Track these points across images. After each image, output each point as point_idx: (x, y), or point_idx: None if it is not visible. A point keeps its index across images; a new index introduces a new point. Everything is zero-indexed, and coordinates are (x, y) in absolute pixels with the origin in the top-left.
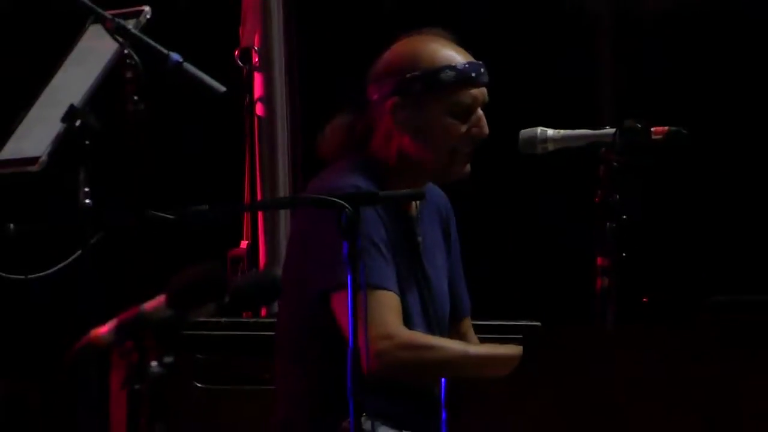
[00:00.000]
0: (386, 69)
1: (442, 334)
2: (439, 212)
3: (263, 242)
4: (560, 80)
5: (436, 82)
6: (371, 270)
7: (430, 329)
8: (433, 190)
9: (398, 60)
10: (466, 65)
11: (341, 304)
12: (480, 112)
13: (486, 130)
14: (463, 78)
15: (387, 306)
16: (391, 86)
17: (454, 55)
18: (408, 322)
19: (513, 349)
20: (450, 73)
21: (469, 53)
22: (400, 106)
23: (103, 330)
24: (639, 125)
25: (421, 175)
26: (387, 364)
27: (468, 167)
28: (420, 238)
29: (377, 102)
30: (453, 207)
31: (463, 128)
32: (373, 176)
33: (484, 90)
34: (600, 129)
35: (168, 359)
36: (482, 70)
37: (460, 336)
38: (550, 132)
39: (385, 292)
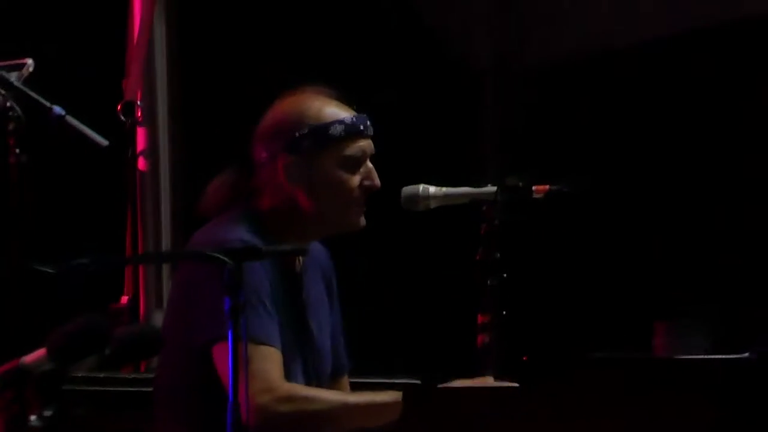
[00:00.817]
0: (273, 128)
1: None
2: (322, 268)
3: (144, 297)
4: (443, 134)
5: (325, 138)
6: (255, 325)
7: (311, 381)
8: (314, 246)
9: (285, 118)
10: (353, 119)
11: (222, 356)
12: (369, 164)
13: (377, 181)
14: (351, 131)
15: (269, 360)
16: (281, 145)
17: (339, 111)
18: (288, 378)
19: (392, 396)
20: (338, 128)
21: (352, 107)
22: (292, 164)
23: None
24: (520, 183)
25: (315, 228)
26: (267, 417)
27: (363, 219)
28: (305, 295)
29: (266, 160)
30: (335, 261)
31: (356, 180)
32: (258, 229)
33: (370, 142)
34: (482, 186)
35: (48, 413)
36: (368, 122)
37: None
38: (432, 189)
39: (267, 347)
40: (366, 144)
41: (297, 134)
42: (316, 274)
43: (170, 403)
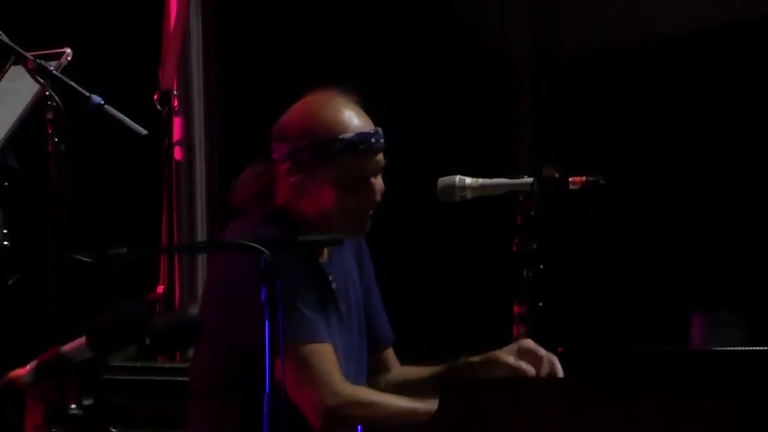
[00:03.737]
0: (282, 132)
1: (361, 370)
2: (352, 247)
3: (179, 286)
4: (479, 125)
5: (324, 154)
6: (303, 325)
7: (356, 371)
8: None
9: (292, 126)
10: (355, 136)
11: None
12: (372, 180)
13: (378, 198)
14: (351, 150)
15: (327, 359)
16: (285, 151)
17: (348, 124)
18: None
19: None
20: (337, 146)
21: (369, 117)
22: (292, 171)
23: (23, 371)
24: (557, 175)
25: (323, 231)
26: (336, 421)
27: (366, 226)
28: (333, 283)
29: (276, 161)
30: (370, 250)
31: (353, 199)
32: (284, 226)
33: (378, 157)
34: (518, 178)
35: (87, 401)
36: (373, 139)
37: (384, 365)
38: (469, 180)
39: (321, 344)
40: (369, 162)
41: (298, 145)
42: (342, 255)
43: (206, 395)
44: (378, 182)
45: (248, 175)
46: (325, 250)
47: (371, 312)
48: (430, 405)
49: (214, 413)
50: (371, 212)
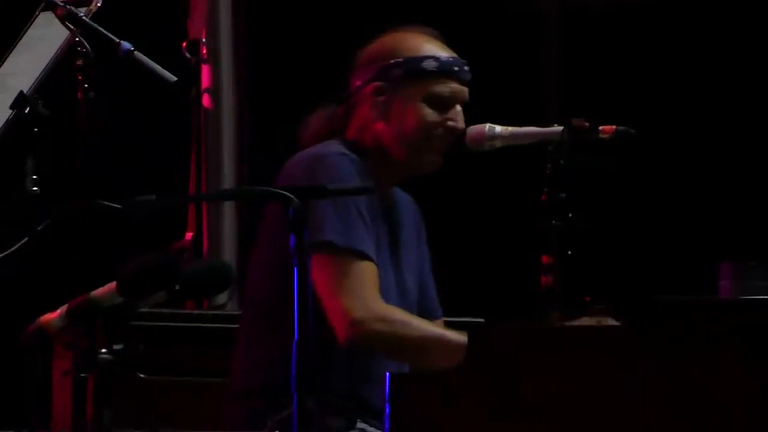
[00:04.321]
0: (370, 56)
1: None
2: (413, 216)
3: (207, 234)
4: (506, 76)
5: (417, 70)
6: (354, 235)
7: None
8: (402, 195)
9: (382, 48)
10: (450, 59)
11: (320, 267)
12: (458, 107)
13: (461, 124)
14: (444, 69)
15: (366, 275)
16: (374, 72)
17: (437, 48)
18: (386, 298)
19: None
20: (432, 63)
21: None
22: (380, 90)
23: (53, 316)
24: (587, 124)
25: (394, 166)
26: (361, 333)
27: (440, 159)
28: (400, 231)
29: (359, 88)
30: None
31: (437, 118)
32: (356, 152)
33: (463, 88)
34: (547, 126)
35: (117, 347)
36: (465, 67)
37: None
38: (498, 129)
39: (364, 262)
40: (458, 87)
41: (391, 61)
42: (408, 219)
43: (259, 318)
44: (461, 114)
45: (319, 114)
46: (394, 199)
47: (424, 283)
48: (459, 335)
49: (268, 335)
50: (445, 148)
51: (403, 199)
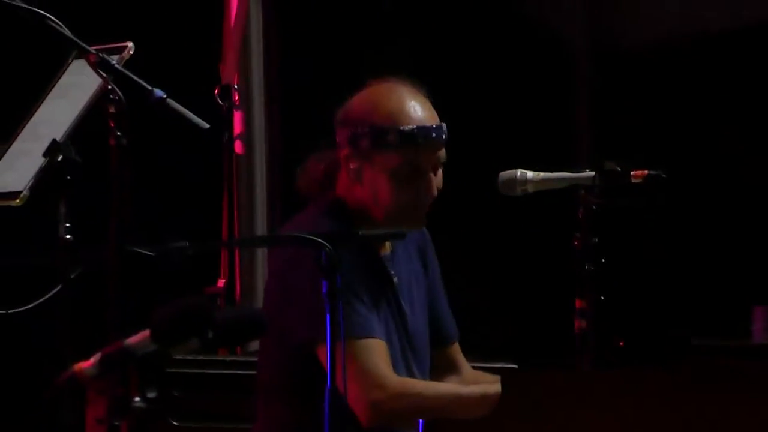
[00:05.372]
0: (344, 117)
1: (423, 371)
2: (415, 242)
3: (239, 280)
4: (538, 121)
5: (382, 142)
6: (354, 321)
7: (410, 368)
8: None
9: (354, 111)
10: (415, 129)
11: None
12: (429, 175)
13: (433, 193)
14: (409, 142)
15: (376, 354)
16: (345, 136)
17: (409, 116)
18: (392, 361)
19: (497, 386)
20: (396, 136)
21: (434, 109)
22: (350, 157)
23: (86, 364)
24: (618, 168)
25: (377, 225)
26: (381, 414)
27: (422, 221)
28: (395, 278)
29: (338, 146)
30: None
31: (409, 192)
32: (343, 220)
33: (437, 153)
34: (579, 171)
35: (151, 394)
36: (434, 134)
37: (449, 361)
38: (530, 174)
39: (372, 339)
40: (427, 156)
41: (359, 130)
42: (407, 251)
43: (272, 389)
44: (437, 178)
45: (313, 160)
46: (388, 244)
47: (436, 308)
48: (473, 389)
49: (283, 406)
50: (427, 208)
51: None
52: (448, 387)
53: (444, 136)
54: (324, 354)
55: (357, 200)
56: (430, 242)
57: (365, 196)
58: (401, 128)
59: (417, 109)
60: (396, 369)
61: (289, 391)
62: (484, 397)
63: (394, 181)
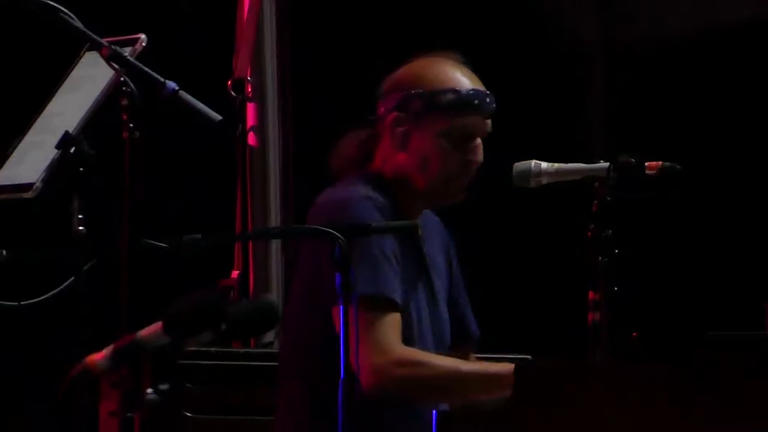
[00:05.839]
0: (393, 85)
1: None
2: (441, 238)
3: (253, 272)
4: (552, 112)
5: (435, 103)
6: (380, 280)
7: (438, 345)
8: (430, 217)
9: (405, 77)
10: (470, 91)
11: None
12: (478, 141)
13: (480, 158)
14: (463, 103)
15: (387, 322)
16: (395, 101)
17: (461, 80)
18: (420, 336)
19: (505, 367)
20: (451, 96)
21: (481, 82)
22: (399, 121)
23: (99, 356)
24: (633, 160)
25: (420, 196)
26: (380, 379)
27: (463, 194)
28: (428, 258)
29: (382, 116)
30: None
31: (456, 155)
32: (381, 189)
33: (486, 120)
34: (594, 163)
35: (164, 387)
36: (488, 99)
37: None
38: (544, 165)
39: (389, 311)
40: (478, 120)
41: (411, 92)
42: (435, 242)
43: (298, 372)
44: (481, 148)
45: (348, 139)
46: (421, 226)
47: (459, 305)
48: (474, 365)
49: (307, 388)
50: (470, 178)
51: (432, 223)
52: (449, 360)
53: (494, 105)
54: (337, 313)
55: (397, 170)
56: (452, 241)
57: (410, 163)
58: (458, 89)
59: (468, 77)
60: (425, 342)
61: (309, 368)
62: (484, 376)
63: (443, 144)
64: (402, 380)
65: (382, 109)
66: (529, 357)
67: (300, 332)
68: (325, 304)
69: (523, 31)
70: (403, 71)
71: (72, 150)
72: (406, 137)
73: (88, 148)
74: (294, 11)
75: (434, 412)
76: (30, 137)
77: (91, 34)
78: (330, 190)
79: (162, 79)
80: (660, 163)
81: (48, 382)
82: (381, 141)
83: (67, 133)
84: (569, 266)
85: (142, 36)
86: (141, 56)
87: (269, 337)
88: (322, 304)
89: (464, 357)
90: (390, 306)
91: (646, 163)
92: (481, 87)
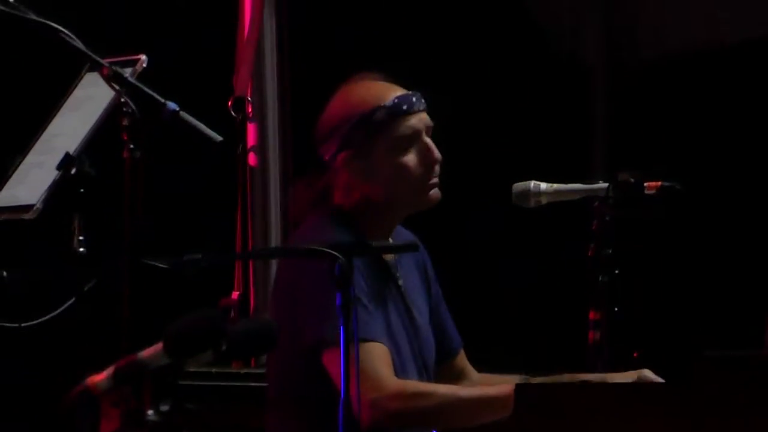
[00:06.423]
0: (327, 127)
1: (430, 376)
2: (414, 260)
3: (254, 292)
4: (553, 132)
5: (371, 126)
6: (359, 322)
7: (421, 372)
8: (403, 234)
9: (334, 117)
10: (395, 100)
11: (333, 361)
12: (425, 138)
13: (436, 153)
14: (393, 113)
15: (376, 356)
16: (336, 143)
17: (382, 94)
18: (402, 366)
19: (504, 389)
20: (380, 113)
21: (401, 85)
22: (350, 158)
23: (100, 377)
24: (632, 180)
25: (393, 215)
26: (379, 415)
27: (436, 192)
28: (402, 283)
29: (330, 161)
30: (444, 257)
31: (412, 159)
32: (346, 227)
33: (423, 116)
34: (593, 183)
35: (164, 407)
36: (414, 99)
37: (458, 371)
38: (543, 186)
39: (372, 343)
40: (416, 120)
41: (346, 128)
42: (409, 262)
43: (283, 400)
44: (431, 143)
45: (301, 185)
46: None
47: (440, 320)
48: (473, 390)
49: (294, 417)
50: (437, 173)
51: (405, 240)
52: (446, 388)
53: (423, 101)
54: (328, 359)
55: (365, 200)
56: (428, 258)
57: (377, 189)
58: (383, 104)
59: (386, 87)
60: (407, 371)
61: (297, 403)
62: (484, 399)
63: (398, 157)
64: (399, 414)
65: (327, 155)
66: (527, 376)
67: (284, 368)
68: (306, 343)
69: (526, 49)
70: (328, 113)
71: (73, 171)
72: (365, 168)
73: (89, 169)
74: (294, 31)
75: None
76: (31, 158)
77: (91, 54)
78: (298, 235)
79: (162, 100)
80: (659, 182)
81: (50, 403)
82: (336, 181)
83: (67, 154)
84: (570, 286)
85: (143, 57)
86: (141, 76)
87: None
88: (302, 342)
89: (456, 369)
90: (376, 345)
91: (646, 183)
92: (401, 91)
